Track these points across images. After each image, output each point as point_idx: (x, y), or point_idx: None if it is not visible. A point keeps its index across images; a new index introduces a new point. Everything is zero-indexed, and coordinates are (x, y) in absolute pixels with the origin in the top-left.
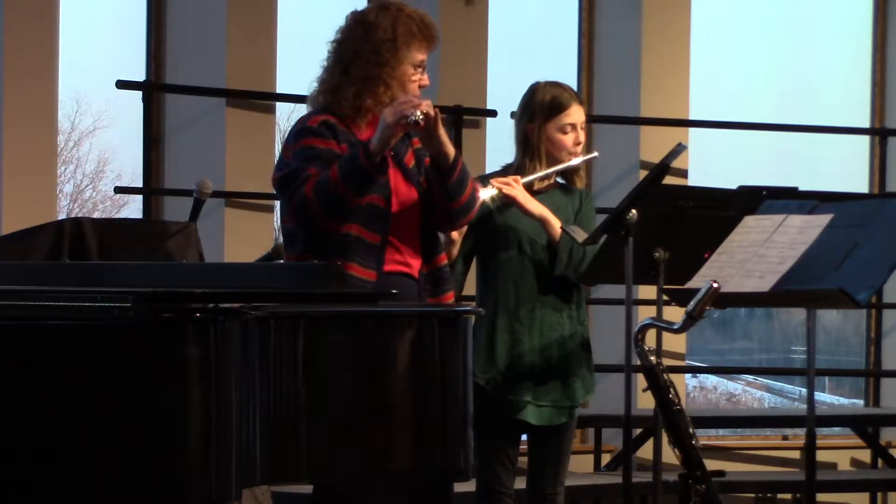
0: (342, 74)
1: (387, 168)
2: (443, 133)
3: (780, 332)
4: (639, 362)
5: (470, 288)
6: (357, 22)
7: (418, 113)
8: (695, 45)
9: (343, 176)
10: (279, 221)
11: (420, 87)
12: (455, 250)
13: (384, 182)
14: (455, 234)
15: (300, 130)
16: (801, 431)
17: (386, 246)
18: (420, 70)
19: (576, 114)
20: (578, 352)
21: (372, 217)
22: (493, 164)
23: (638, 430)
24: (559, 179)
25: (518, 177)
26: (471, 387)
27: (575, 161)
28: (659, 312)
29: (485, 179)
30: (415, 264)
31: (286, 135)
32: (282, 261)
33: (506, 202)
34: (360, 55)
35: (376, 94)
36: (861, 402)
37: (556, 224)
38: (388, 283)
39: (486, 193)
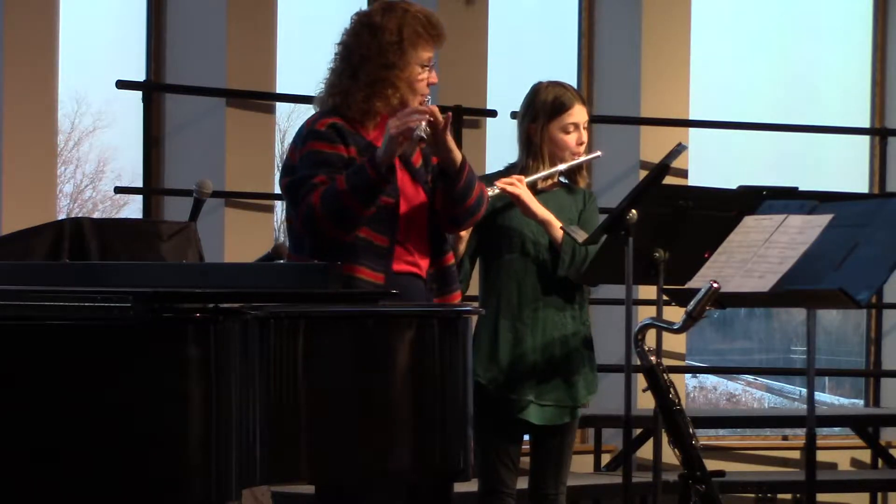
0: (351, 78)
1: (393, 176)
2: (450, 139)
3: (780, 332)
4: (639, 362)
5: (472, 288)
6: (363, 24)
7: (423, 125)
8: (695, 45)
9: (350, 188)
10: (284, 222)
11: (429, 84)
12: (462, 247)
13: (392, 182)
14: (462, 232)
15: (308, 133)
16: (801, 431)
17: (394, 248)
18: (428, 69)
19: (578, 113)
20: (581, 351)
21: (380, 219)
22: (492, 164)
23: (638, 430)
24: (562, 179)
25: (522, 176)
26: (471, 387)
27: (578, 160)
28: (659, 312)
29: (488, 179)
30: (423, 264)
31: (294, 135)
32: (282, 261)
33: (508, 203)
34: (367, 59)
35: (385, 96)
36: (861, 402)
37: (558, 226)
38: (396, 283)
39: (489, 193)
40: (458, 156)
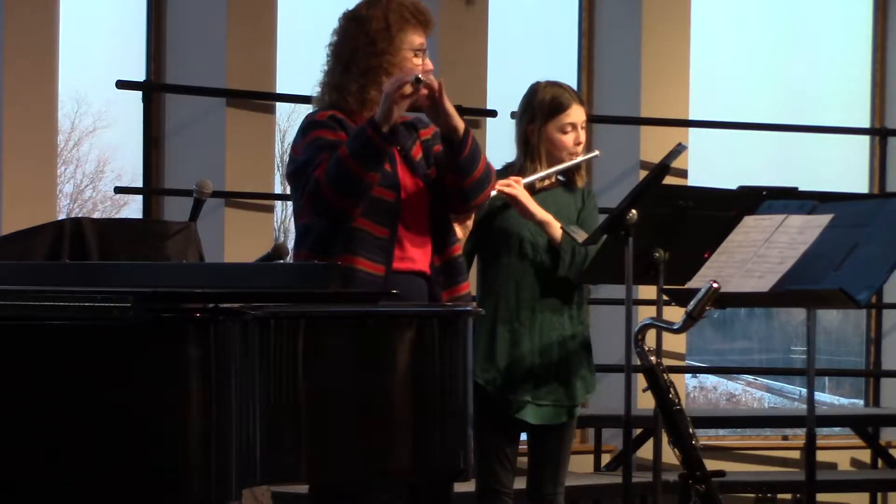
0: (343, 72)
1: (394, 140)
2: (449, 105)
3: (780, 332)
4: (639, 362)
5: (470, 288)
6: (349, 19)
7: (415, 76)
8: (695, 45)
9: (351, 152)
10: (290, 219)
11: (424, 71)
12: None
13: (391, 175)
14: (459, 232)
15: (308, 125)
16: (801, 431)
17: (394, 240)
18: (421, 54)
19: (576, 113)
20: (579, 352)
21: (380, 211)
22: (492, 163)
23: (638, 430)
24: (560, 178)
25: (519, 177)
26: (471, 387)
27: (576, 160)
28: (659, 312)
29: None
30: (422, 259)
31: (296, 133)
32: (282, 261)
33: (506, 204)
34: (357, 50)
35: (379, 83)
36: (861, 402)
37: (556, 226)
38: (396, 282)
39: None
40: (459, 122)
